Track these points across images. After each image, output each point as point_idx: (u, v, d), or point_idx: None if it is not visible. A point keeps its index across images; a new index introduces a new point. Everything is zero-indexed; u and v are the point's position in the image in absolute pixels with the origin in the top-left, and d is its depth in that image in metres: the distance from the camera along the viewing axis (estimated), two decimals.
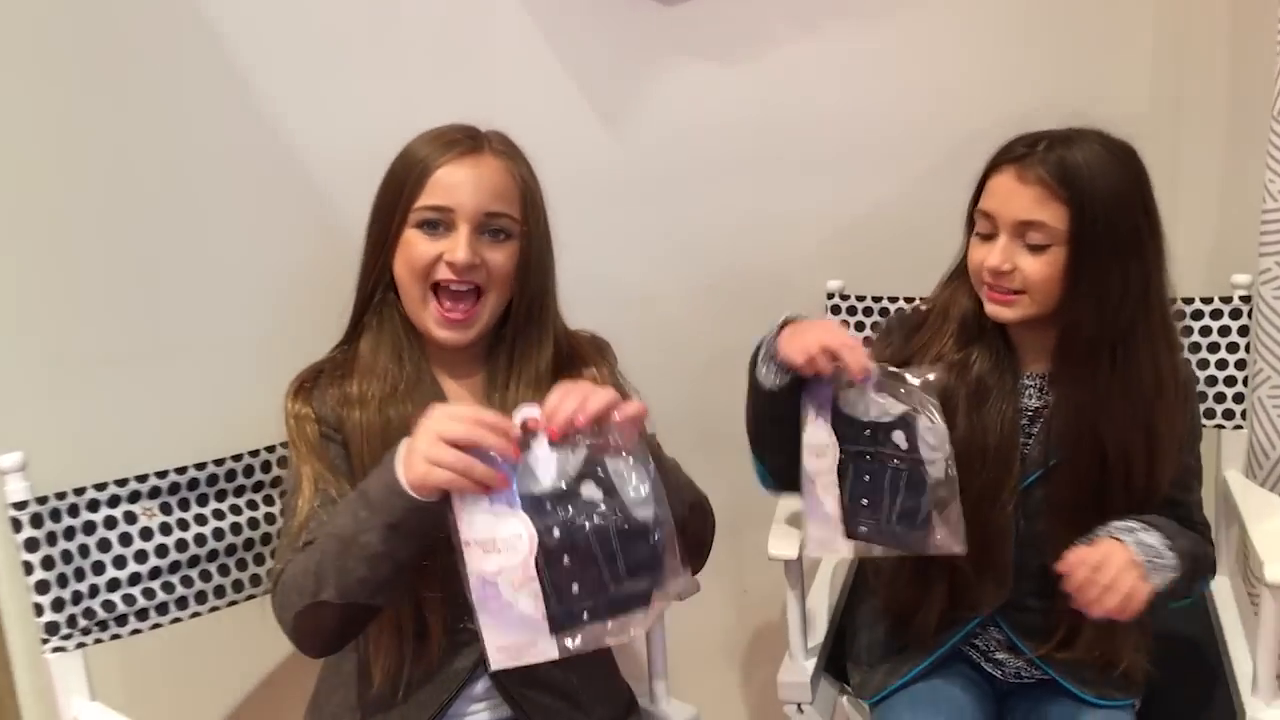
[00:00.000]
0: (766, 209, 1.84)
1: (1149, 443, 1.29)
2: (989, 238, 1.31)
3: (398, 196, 1.26)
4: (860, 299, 1.78)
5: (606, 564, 1.02)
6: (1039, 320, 1.31)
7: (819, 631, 1.56)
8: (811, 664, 1.49)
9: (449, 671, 1.28)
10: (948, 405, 1.30)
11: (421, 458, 1.02)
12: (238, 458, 1.44)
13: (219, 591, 1.42)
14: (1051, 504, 1.33)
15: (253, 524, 1.45)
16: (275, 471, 1.46)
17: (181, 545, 1.38)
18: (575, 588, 1.02)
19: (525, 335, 1.31)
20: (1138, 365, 1.28)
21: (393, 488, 1.05)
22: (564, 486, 1.02)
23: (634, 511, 1.03)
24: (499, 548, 1.01)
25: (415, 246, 1.25)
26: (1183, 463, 1.34)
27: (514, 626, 1.02)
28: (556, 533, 1.01)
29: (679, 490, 1.22)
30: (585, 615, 1.03)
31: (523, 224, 1.28)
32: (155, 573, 1.36)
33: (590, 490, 1.03)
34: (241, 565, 1.44)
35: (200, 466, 1.40)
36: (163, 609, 1.37)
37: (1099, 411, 1.28)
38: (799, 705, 1.47)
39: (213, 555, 1.41)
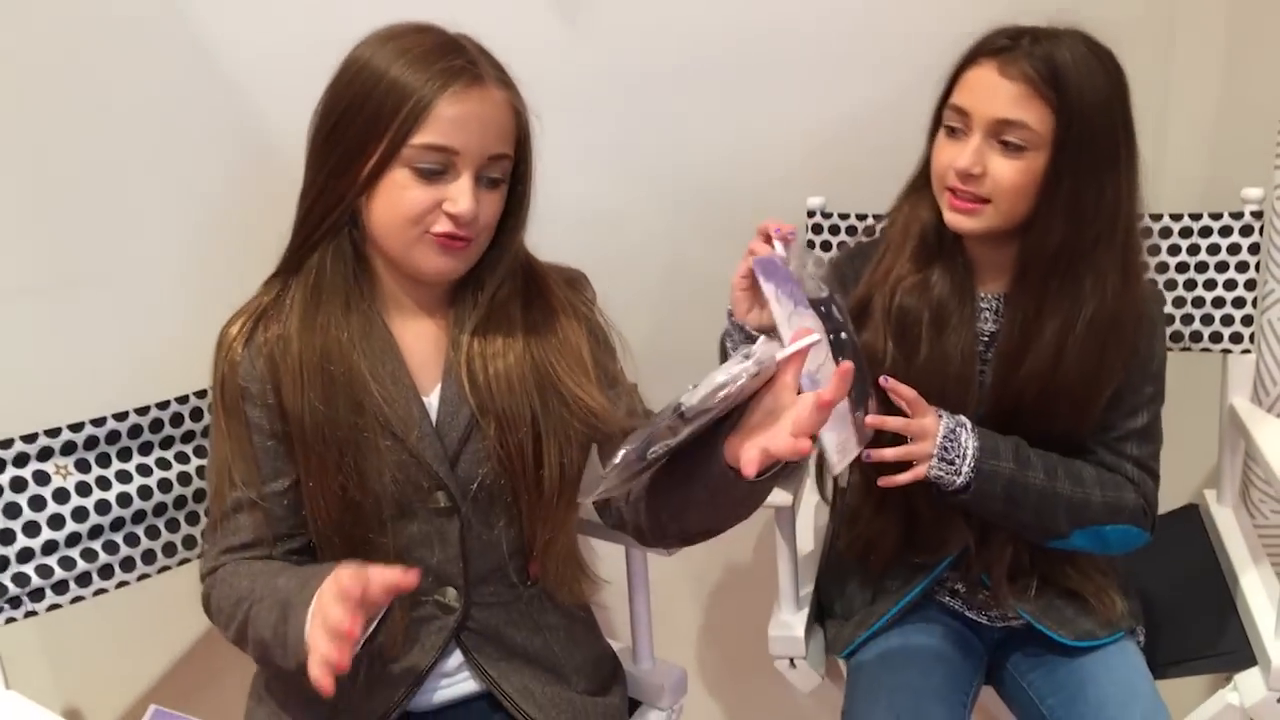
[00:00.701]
0: (741, 121, 1.70)
1: (1102, 368, 1.23)
2: (959, 137, 1.21)
3: (380, 127, 1.08)
4: (843, 217, 1.65)
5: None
6: (1000, 235, 1.23)
7: (809, 582, 1.46)
8: (803, 616, 1.40)
9: (418, 649, 1.18)
10: (909, 332, 1.25)
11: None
12: (164, 405, 1.28)
13: (148, 557, 1.27)
14: (1012, 433, 1.25)
15: (184, 479, 1.30)
16: (207, 419, 1.31)
17: (103, 507, 1.23)
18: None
19: (498, 278, 1.18)
20: (1099, 287, 1.21)
21: (300, 645, 1.01)
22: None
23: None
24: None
25: (407, 191, 1.09)
26: (1130, 383, 1.27)
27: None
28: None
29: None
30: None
31: (516, 166, 1.15)
32: (74, 539, 1.21)
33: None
34: (173, 526, 1.30)
35: (120, 417, 1.25)
36: (84, 580, 1.22)
37: (1042, 328, 1.22)
38: (791, 660, 1.38)
39: (139, 517, 1.26)
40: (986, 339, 1.28)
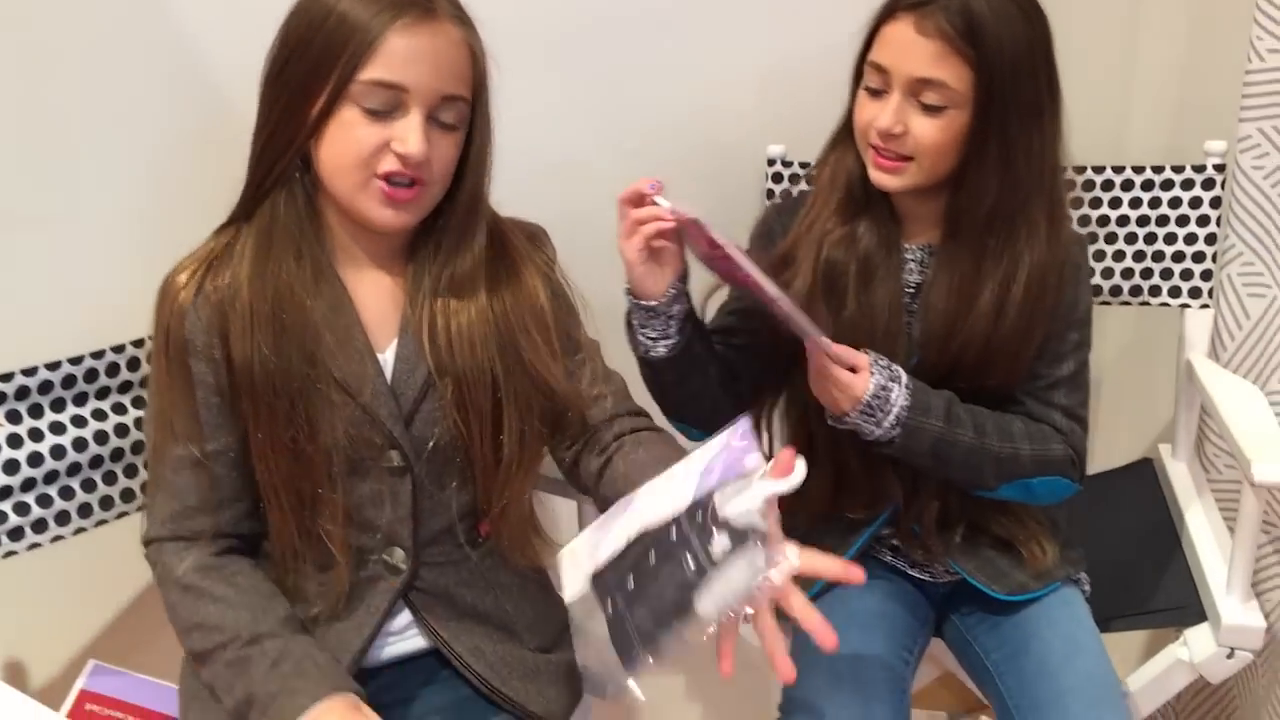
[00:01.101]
0: (699, 68, 1.65)
1: (1036, 320, 1.21)
2: (879, 94, 1.18)
3: (327, 63, 1.03)
4: (804, 166, 1.62)
5: (651, 599, 0.94)
6: (928, 189, 1.21)
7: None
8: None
9: (363, 609, 1.15)
10: (837, 285, 1.23)
11: None
12: (99, 355, 1.24)
13: (84, 510, 1.23)
14: (939, 386, 1.24)
15: (121, 431, 1.26)
16: (145, 369, 1.26)
17: (35, 459, 1.18)
18: (630, 585, 0.94)
19: (458, 233, 1.14)
20: (1034, 239, 1.20)
21: None
22: (725, 522, 0.93)
23: (700, 594, 0.92)
24: (659, 494, 0.97)
25: (355, 130, 1.05)
26: (1057, 333, 1.25)
27: (589, 548, 0.99)
28: (674, 536, 0.94)
29: None
30: (608, 609, 0.96)
31: (473, 109, 1.10)
32: (5, 493, 1.17)
33: (720, 545, 0.93)
34: (110, 479, 1.26)
35: (53, 366, 1.20)
36: (16, 534, 1.18)
37: (981, 288, 1.20)
38: (745, 615, 1.36)
39: (74, 469, 1.22)
40: (913, 290, 1.26)
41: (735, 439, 0.98)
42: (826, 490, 1.31)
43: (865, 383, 1.17)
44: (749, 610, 0.92)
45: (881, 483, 1.30)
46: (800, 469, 0.94)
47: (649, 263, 1.14)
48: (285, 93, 1.06)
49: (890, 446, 1.20)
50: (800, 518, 1.34)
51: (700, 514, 0.94)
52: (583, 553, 0.97)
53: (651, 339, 1.20)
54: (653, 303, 1.17)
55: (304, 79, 1.05)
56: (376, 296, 1.14)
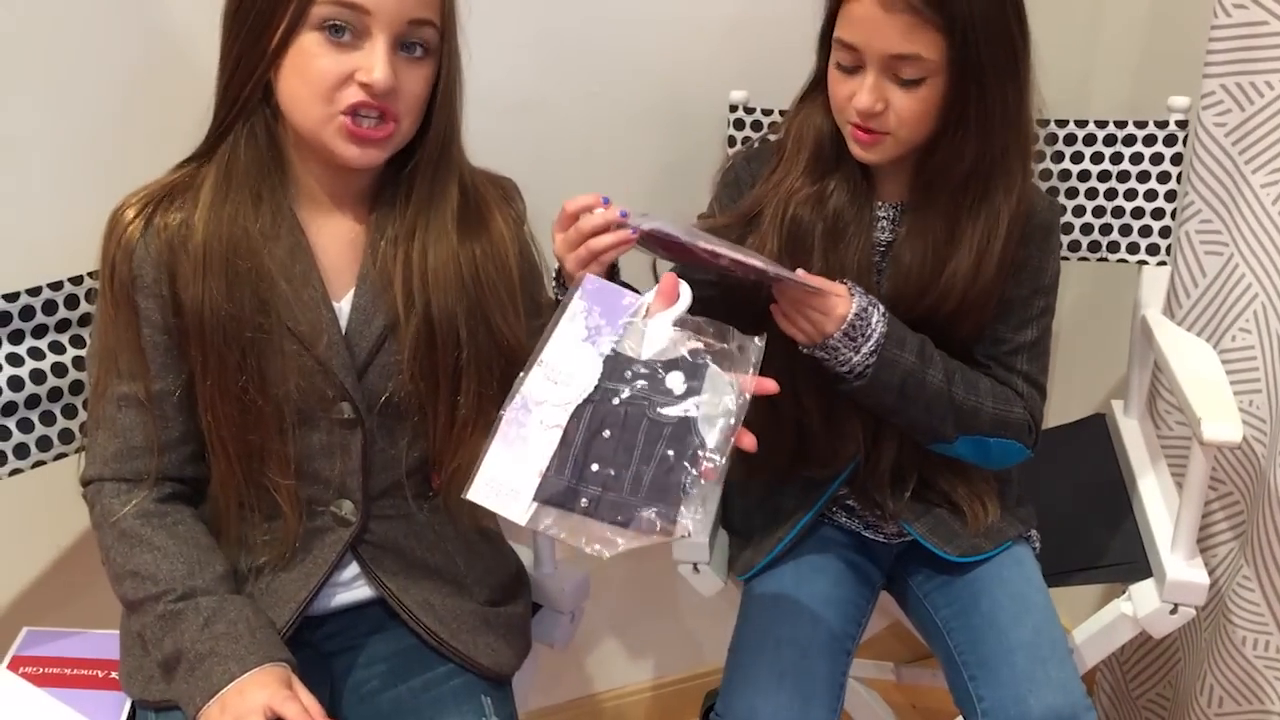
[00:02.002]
0: (661, 9, 1.60)
1: (998, 279, 1.21)
2: (853, 71, 1.16)
3: None
4: (766, 113, 1.59)
5: (639, 462, 0.91)
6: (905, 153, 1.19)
7: (716, 487, 1.44)
8: (709, 523, 1.38)
9: (311, 560, 1.13)
10: (802, 244, 1.21)
11: None
12: (35, 292, 1.19)
13: (20, 451, 1.20)
14: None
15: (59, 370, 1.22)
16: (85, 308, 1.23)
17: None
18: (594, 467, 0.92)
19: (430, 178, 1.10)
20: (1009, 195, 1.19)
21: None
22: (656, 364, 0.94)
23: (701, 429, 0.91)
24: (559, 379, 0.93)
25: (316, 59, 1.00)
26: (1020, 297, 1.25)
27: (513, 466, 0.92)
28: (617, 401, 0.93)
29: None
30: (582, 502, 0.91)
31: (443, 38, 1.06)
32: None
33: (675, 382, 0.93)
34: (48, 419, 1.22)
35: None
36: None
37: (955, 246, 1.19)
38: (695, 565, 1.36)
39: (9, 409, 1.18)
40: (882, 249, 1.25)
41: (590, 294, 0.97)
42: (788, 451, 1.31)
43: (848, 303, 1.15)
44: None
45: (841, 442, 1.29)
46: (685, 290, 0.94)
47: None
48: (245, 22, 1.02)
49: (862, 379, 1.17)
50: (761, 475, 1.34)
51: (625, 371, 0.93)
52: (502, 477, 0.93)
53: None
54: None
55: (264, 4, 1.01)
56: (336, 243, 1.11)
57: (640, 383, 0.93)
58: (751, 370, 0.94)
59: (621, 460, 0.91)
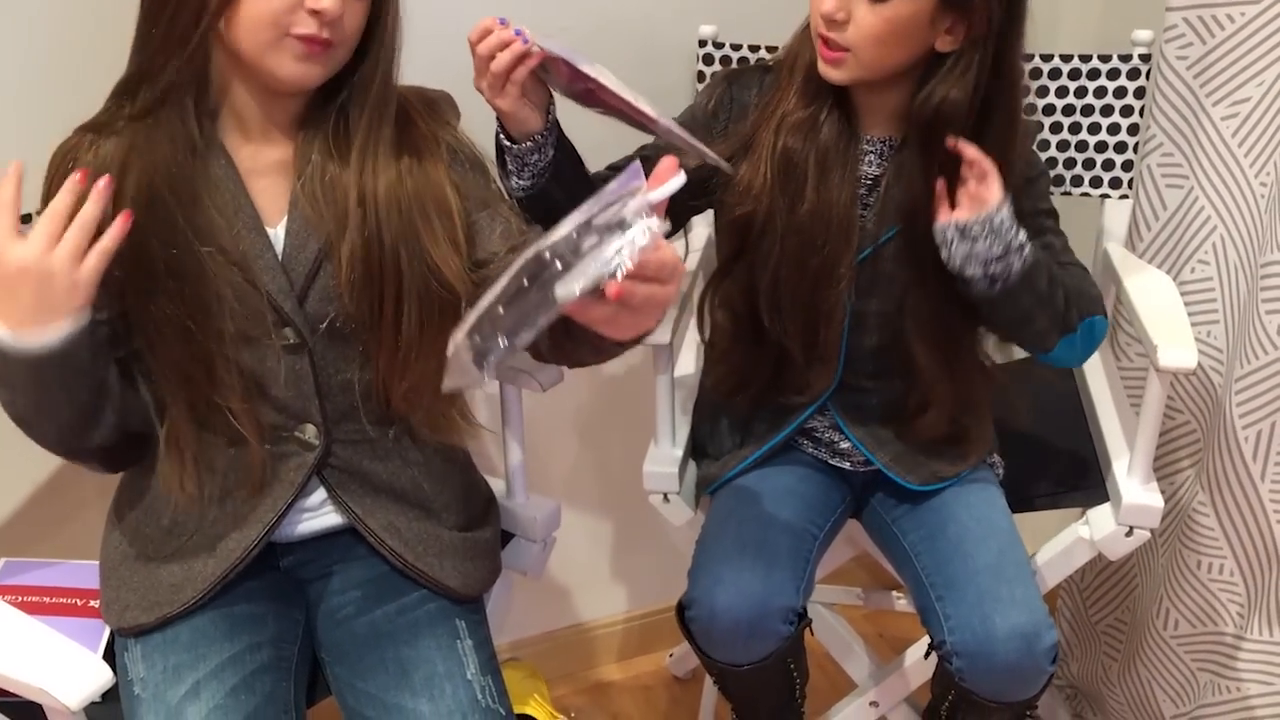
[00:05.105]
0: None
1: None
2: None
3: None
4: (735, 48, 1.59)
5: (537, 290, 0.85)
6: (878, 82, 1.19)
7: (687, 420, 1.47)
8: (678, 453, 1.40)
9: (278, 485, 1.15)
10: (794, 172, 1.22)
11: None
12: None
13: None
14: (885, 280, 1.26)
15: None
16: None
17: None
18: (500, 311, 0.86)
19: (367, 107, 1.10)
20: (989, 130, 1.17)
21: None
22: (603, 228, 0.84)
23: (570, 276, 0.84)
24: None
25: None
26: (1031, 206, 1.26)
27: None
28: (545, 254, 0.84)
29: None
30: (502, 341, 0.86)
31: None
32: None
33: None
34: None
35: None
36: None
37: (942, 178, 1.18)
38: (665, 495, 1.39)
39: None
40: (870, 181, 1.26)
41: (629, 180, 0.88)
42: (767, 376, 1.33)
43: (999, 197, 1.14)
44: (619, 274, 0.82)
45: (818, 370, 1.31)
46: (679, 176, 0.85)
47: (519, 100, 1.13)
48: None
49: (1010, 278, 1.16)
50: (741, 401, 1.36)
51: (577, 232, 0.86)
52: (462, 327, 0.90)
53: (523, 182, 1.19)
54: (526, 144, 1.16)
55: None
56: (266, 171, 1.11)
57: (571, 242, 0.85)
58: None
59: (515, 305, 0.86)
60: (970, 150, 1.14)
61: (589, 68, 1.10)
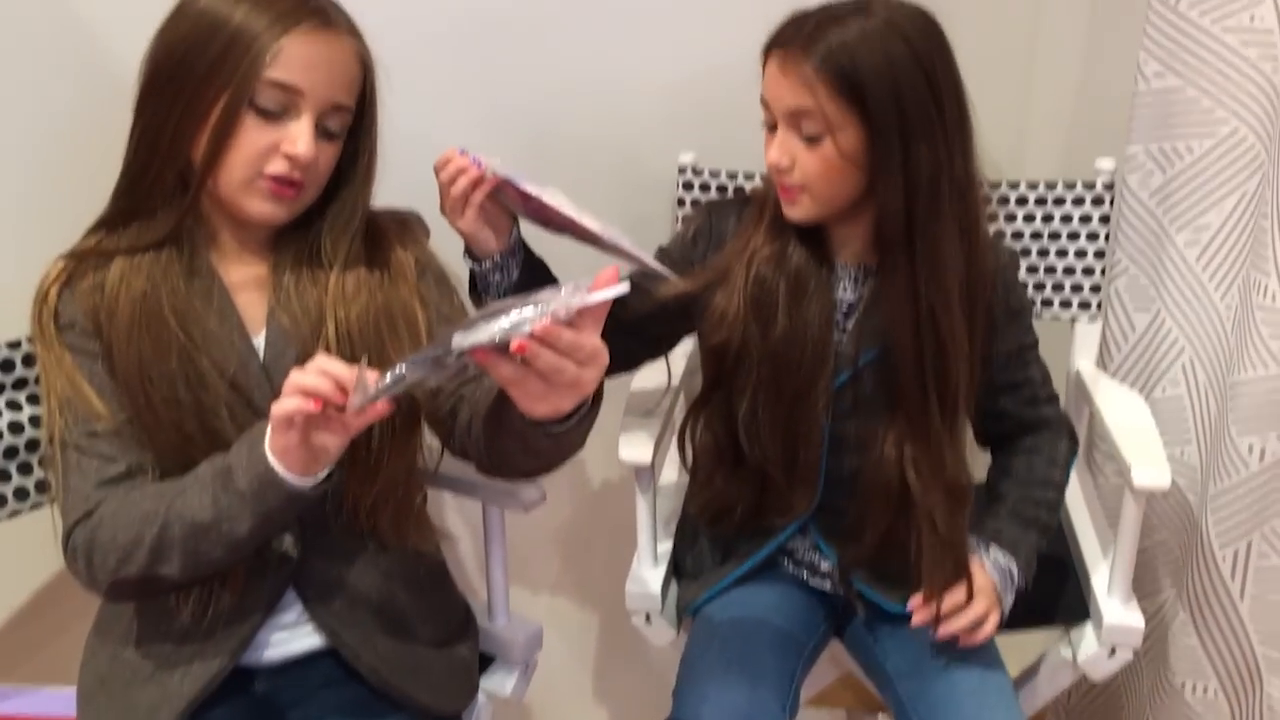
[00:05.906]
0: (607, 72, 1.65)
1: (965, 333, 1.23)
2: (773, 129, 1.21)
3: (227, 66, 1.05)
4: (714, 174, 1.64)
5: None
6: (843, 214, 1.23)
7: (668, 540, 1.47)
8: (660, 573, 1.40)
9: (252, 598, 1.15)
10: (767, 299, 1.25)
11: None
12: None
13: None
14: (864, 403, 1.28)
15: (15, 429, 1.24)
16: (20, 372, 1.25)
17: None
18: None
19: (343, 233, 1.17)
20: (952, 258, 1.21)
21: (267, 479, 0.99)
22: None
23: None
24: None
25: (248, 132, 1.07)
26: (1016, 341, 1.32)
27: None
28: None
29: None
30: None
31: (361, 120, 1.14)
32: None
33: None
34: (3, 478, 1.23)
35: None
36: None
37: (914, 303, 1.21)
38: (647, 615, 1.38)
39: None
40: (845, 309, 1.28)
41: (573, 291, 0.89)
42: (751, 500, 1.35)
43: (987, 581, 1.29)
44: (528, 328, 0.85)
45: (799, 493, 1.32)
46: (622, 285, 0.86)
47: (478, 223, 1.22)
48: (180, 96, 1.07)
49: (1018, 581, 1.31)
50: (725, 525, 1.37)
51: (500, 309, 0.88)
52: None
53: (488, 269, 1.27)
54: (487, 263, 1.25)
55: (200, 81, 1.06)
56: (245, 286, 1.16)
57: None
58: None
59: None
60: (949, 627, 1.26)
61: (533, 187, 1.18)
